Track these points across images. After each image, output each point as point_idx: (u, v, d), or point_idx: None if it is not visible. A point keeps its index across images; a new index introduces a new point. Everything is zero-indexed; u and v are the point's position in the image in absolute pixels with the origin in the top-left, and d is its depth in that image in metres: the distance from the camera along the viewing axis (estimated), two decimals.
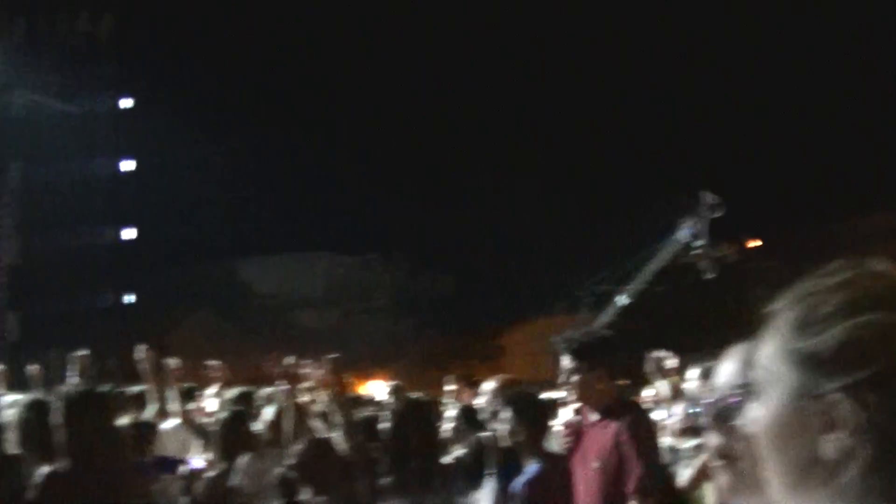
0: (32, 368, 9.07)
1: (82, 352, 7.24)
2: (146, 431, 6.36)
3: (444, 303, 34.21)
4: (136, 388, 7.28)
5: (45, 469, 4.69)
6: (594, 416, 4.67)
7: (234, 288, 33.99)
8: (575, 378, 4.67)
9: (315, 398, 6.39)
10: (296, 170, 28.56)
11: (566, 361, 4.75)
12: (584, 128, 32.81)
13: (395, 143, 33.22)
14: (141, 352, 7.44)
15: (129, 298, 28.10)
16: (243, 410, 6.42)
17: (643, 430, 4.57)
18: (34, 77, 25.14)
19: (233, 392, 7.18)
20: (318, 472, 5.24)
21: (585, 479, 4.62)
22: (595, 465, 4.55)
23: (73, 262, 27.06)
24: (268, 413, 5.94)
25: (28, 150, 25.18)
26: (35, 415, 5.35)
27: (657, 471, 4.53)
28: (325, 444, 5.44)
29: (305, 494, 5.14)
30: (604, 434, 4.55)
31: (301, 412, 6.68)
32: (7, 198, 25.13)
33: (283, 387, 6.42)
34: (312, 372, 5.82)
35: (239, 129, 26.67)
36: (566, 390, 4.71)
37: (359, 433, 5.41)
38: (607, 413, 4.57)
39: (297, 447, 5.64)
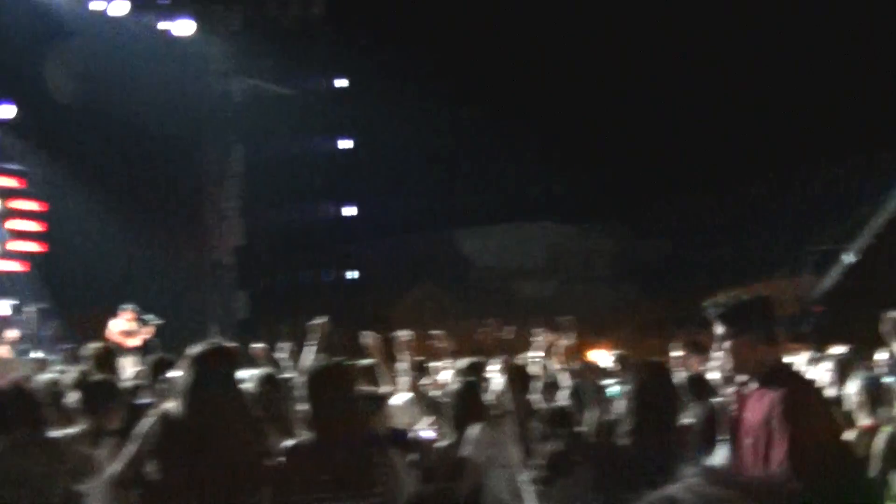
0: (256, 347, 9.35)
1: (320, 319, 7.61)
2: (379, 404, 6.55)
3: (663, 269, 33.51)
4: (365, 362, 7.42)
5: (289, 441, 4.84)
6: (753, 385, 4.43)
7: (454, 260, 34.25)
8: (727, 344, 4.50)
9: (547, 365, 6.36)
10: (514, 141, 28.34)
11: (717, 328, 4.52)
12: (804, 80, 31.29)
13: (612, 113, 32.53)
14: (367, 332, 7.75)
15: (352, 274, 28.62)
16: (475, 381, 6.43)
17: (799, 403, 4.23)
18: (251, 63, 25.87)
19: (463, 362, 7.21)
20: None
21: (744, 452, 4.36)
22: (748, 440, 4.32)
23: (296, 240, 27.93)
24: (496, 383, 5.98)
25: (248, 133, 26.00)
26: (268, 388, 5.87)
27: (811, 451, 4.13)
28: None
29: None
30: (760, 405, 4.31)
31: (525, 381, 6.68)
32: (231, 181, 25.93)
33: (507, 356, 6.46)
34: (542, 340, 5.77)
35: (453, 102, 26.63)
36: (720, 358, 4.50)
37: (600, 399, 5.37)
38: (765, 382, 4.37)
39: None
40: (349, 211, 28.49)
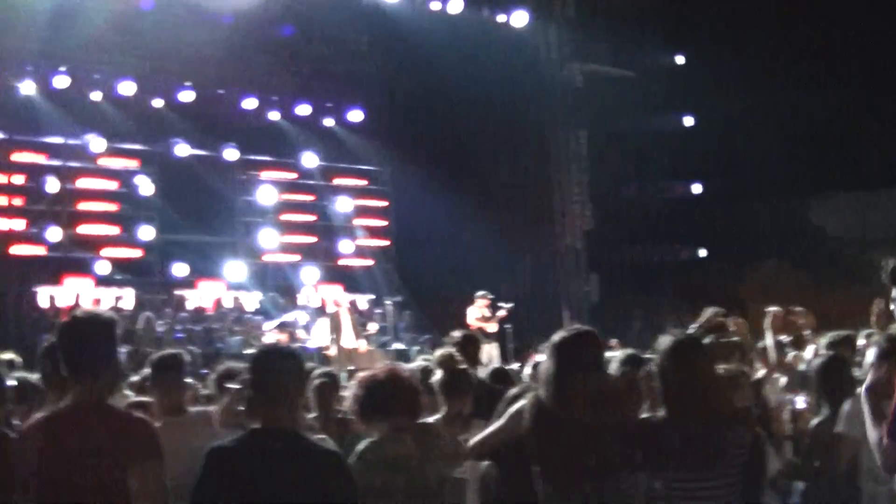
0: (612, 342, 9.24)
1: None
2: (738, 382, 6.36)
3: None
4: (730, 339, 7.28)
5: (646, 416, 4.94)
6: None
7: (804, 233, 32.84)
8: None
9: None
10: (863, 104, 26.68)
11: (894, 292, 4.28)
12: None
13: None
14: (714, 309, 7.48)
15: (701, 252, 28.04)
16: (842, 355, 6.12)
17: None
18: (588, 47, 25.88)
19: (833, 336, 6.88)
20: None
21: None
22: None
23: (644, 220, 27.69)
24: (870, 356, 5.77)
25: (591, 118, 25.95)
26: (628, 369, 5.80)
27: None
28: None
29: None
30: None
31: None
32: (577, 165, 25.97)
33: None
34: None
35: (796, 69, 25.40)
36: None
37: None
38: None
39: None
40: (696, 189, 28.12)
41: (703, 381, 4.69)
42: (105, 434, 4.21)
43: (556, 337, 4.96)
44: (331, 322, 20.76)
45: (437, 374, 6.45)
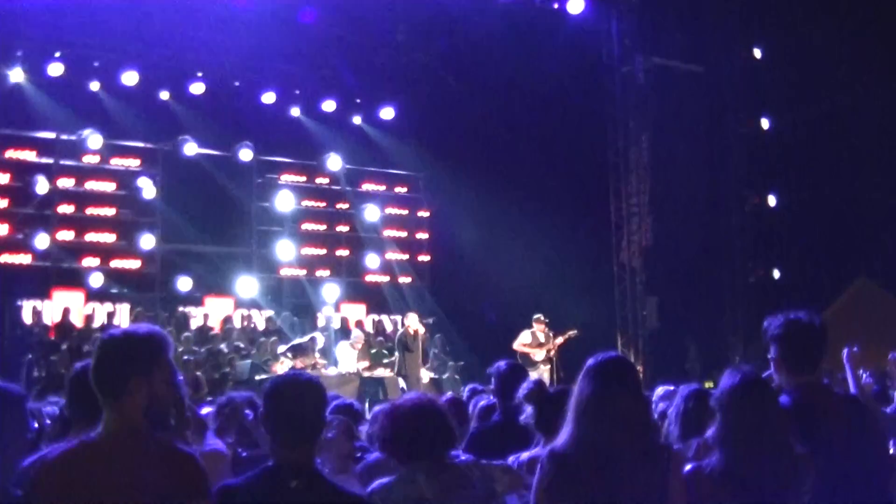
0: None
1: None
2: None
3: None
4: None
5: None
6: None
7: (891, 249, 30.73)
8: None
9: None
10: None
11: None
12: None
13: None
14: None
15: (776, 273, 25.51)
16: None
17: None
18: (654, 39, 23.68)
19: None
20: None
21: None
22: None
23: (710, 236, 25.53)
24: None
25: (654, 118, 23.81)
26: (694, 405, 5.74)
27: None
28: None
29: None
30: None
31: None
32: (637, 174, 23.72)
33: None
34: None
35: (891, 64, 22.89)
36: None
37: None
38: None
39: None
40: (771, 200, 25.56)
41: (770, 426, 4.50)
42: (154, 470, 3.99)
43: (591, 361, 4.68)
44: (355, 346, 20.22)
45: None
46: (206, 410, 7.21)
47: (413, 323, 19.42)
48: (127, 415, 4.04)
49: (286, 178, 24.90)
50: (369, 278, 25.34)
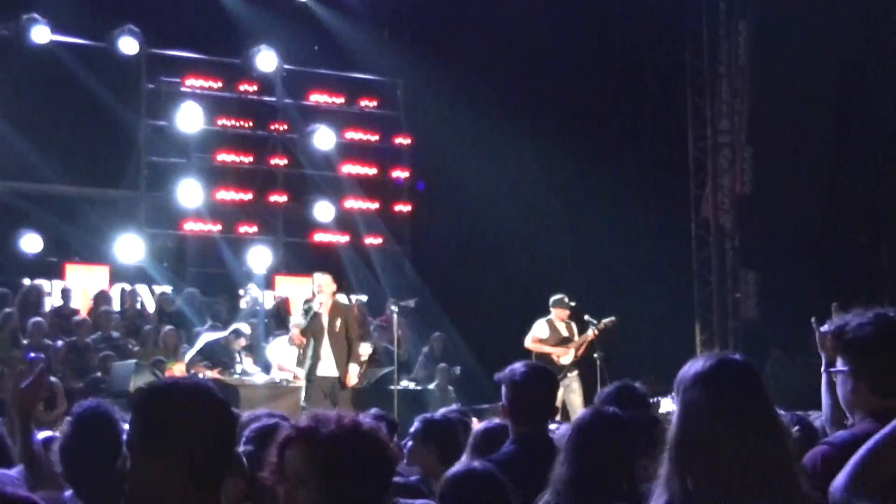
0: None
1: None
2: None
3: None
4: None
5: None
6: None
7: None
8: None
9: None
10: None
11: None
12: None
13: None
14: None
15: None
16: None
17: None
18: None
19: None
20: None
21: None
22: None
23: (836, 183, 20.77)
24: None
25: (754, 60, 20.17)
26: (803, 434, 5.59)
27: None
28: None
29: None
30: None
31: None
32: (733, 83, 19.97)
33: None
34: None
35: None
36: None
37: None
38: None
39: None
40: None
41: None
42: None
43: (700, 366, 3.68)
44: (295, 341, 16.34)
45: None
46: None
47: (325, 285, 14.72)
48: None
49: (192, 83, 20.47)
50: (318, 238, 21.01)
